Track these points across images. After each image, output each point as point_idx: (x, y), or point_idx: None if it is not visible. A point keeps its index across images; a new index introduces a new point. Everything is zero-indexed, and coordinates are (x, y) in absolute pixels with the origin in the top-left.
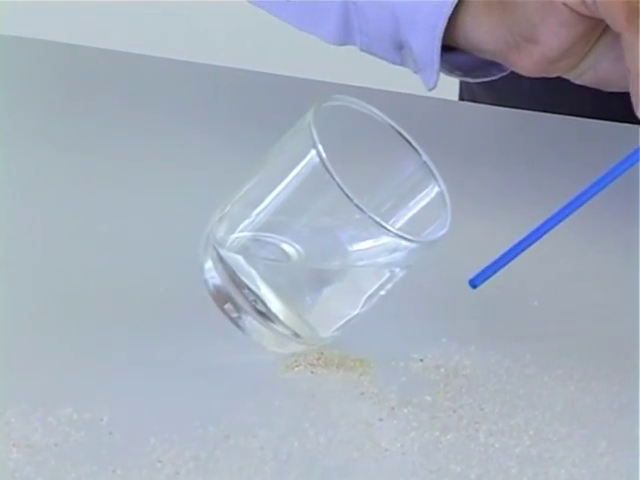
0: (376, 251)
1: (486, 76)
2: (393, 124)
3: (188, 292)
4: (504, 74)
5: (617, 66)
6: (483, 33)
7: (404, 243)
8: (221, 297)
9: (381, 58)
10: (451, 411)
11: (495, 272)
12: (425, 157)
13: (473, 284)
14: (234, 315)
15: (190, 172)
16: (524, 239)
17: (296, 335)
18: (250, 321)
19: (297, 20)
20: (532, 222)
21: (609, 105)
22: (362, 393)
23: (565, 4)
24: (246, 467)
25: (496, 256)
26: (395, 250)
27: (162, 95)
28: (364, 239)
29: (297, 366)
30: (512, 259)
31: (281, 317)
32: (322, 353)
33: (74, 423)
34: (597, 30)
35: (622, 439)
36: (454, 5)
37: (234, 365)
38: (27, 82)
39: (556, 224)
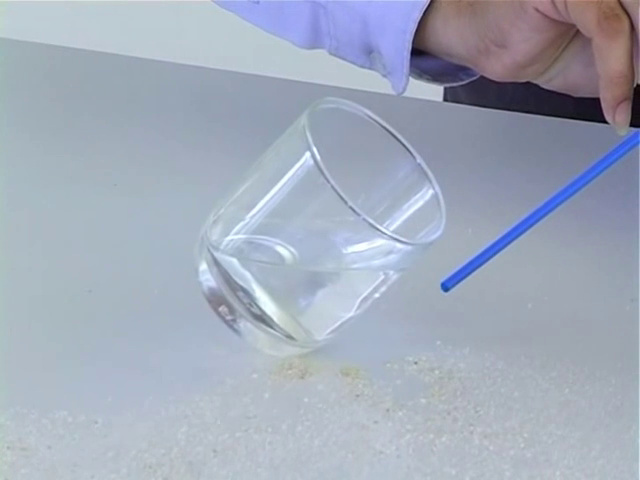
0: (370, 254)
1: (455, 81)
2: (388, 127)
3: (182, 295)
4: (472, 79)
5: (587, 71)
6: (453, 37)
7: (398, 245)
8: (216, 300)
9: (350, 62)
10: (446, 413)
11: (467, 275)
12: (419, 159)
13: (445, 287)
14: (229, 318)
15: (185, 175)
16: (496, 242)
17: (290, 338)
18: (245, 324)
19: (266, 23)
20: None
21: (591, 107)
22: (357, 396)
23: (536, 9)
24: (240, 471)
25: (468, 259)
26: (389, 253)
27: (157, 98)
28: (358, 242)
29: (291, 369)
30: (484, 262)
31: (276, 320)
32: (316, 356)
33: (68, 426)
34: (567, 35)
35: (616, 441)
36: (424, 9)
37: (228, 368)
38: (24, 85)
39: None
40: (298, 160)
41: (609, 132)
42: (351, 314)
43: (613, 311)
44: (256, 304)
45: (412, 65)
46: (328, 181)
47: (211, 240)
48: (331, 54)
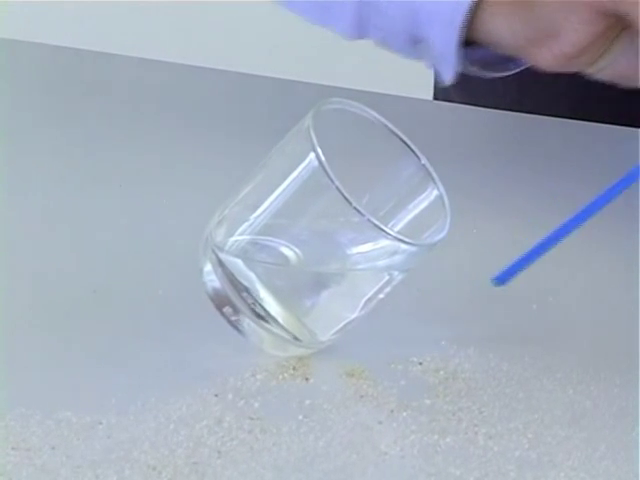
0: (375, 254)
1: (503, 71)
2: (392, 127)
3: (187, 295)
4: (521, 69)
5: (636, 62)
6: (503, 28)
7: (403, 246)
8: (220, 300)
9: (396, 53)
10: (450, 414)
11: (518, 271)
12: (424, 160)
13: (497, 282)
14: (233, 318)
15: (189, 175)
16: (542, 244)
17: (295, 338)
18: (249, 324)
19: (312, 14)
20: (529, 223)
21: (584, 105)
22: (361, 396)
23: (586, 1)
24: (244, 472)
25: (519, 256)
26: (394, 253)
27: (161, 98)
28: (363, 242)
29: (296, 369)
30: (534, 260)
31: (280, 320)
32: (321, 356)
33: (72, 426)
34: (617, 27)
35: (621, 442)
36: (474, 0)
37: (232, 368)
38: (25, 86)
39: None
40: (303, 161)
41: (602, 130)
42: (355, 315)
43: (617, 312)
44: (260, 305)
45: (461, 55)
46: (333, 182)
47: (216, 241)
48: (377, 45)
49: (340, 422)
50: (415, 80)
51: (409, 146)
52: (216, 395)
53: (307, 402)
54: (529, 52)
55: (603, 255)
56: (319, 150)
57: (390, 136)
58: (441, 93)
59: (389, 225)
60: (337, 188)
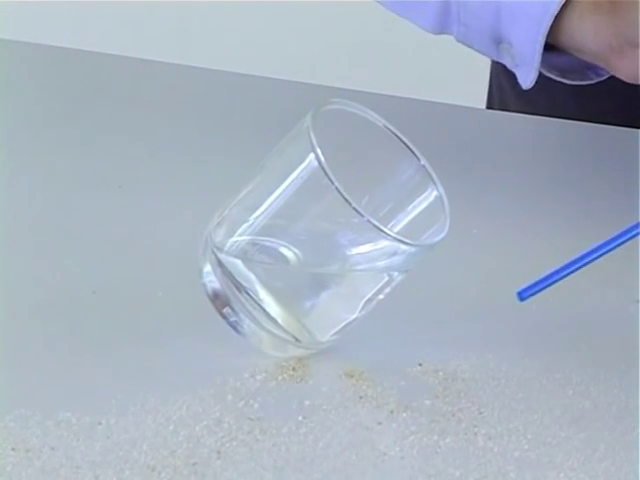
0: (374, 255)
1: (583, 79)
2: (392, 128)
3: (186, 296)
4: (601, 79)
5: None
6: (588, 33)
7: (402, 247)
8: (220, 301)
9: (477, 50)
10: (450, 415)
11: (544, 288)
12: (423, 161)
13: (521, 297)
14: (233, 319)
15: (189, 176)
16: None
17: (295, 339)
18: (249, 325)
19: (395, 5)
20: (529, 224)
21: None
22: (361, 397)
23: None
24: (244, 472)
25: (546, 273)
26: (393, 254)
27: (161, 99)
28: (363, 243)
29: (295, 370)
30: (564, 277)
31: (280, 321)
32: (320, 357)
33: (72, 427)
34: None
35: (620, 443)
36: (562, 3)
37: (232, 369)
38: (26, 86)
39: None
40: (302, 161)
41: (611, 132)
42: (355, 315)
43: (617, 313)
44: (260, 305)
45: (542, 59)
46: (332, 182)
47: (215, 241)
48: (458, 41)
49: (339, 423)
50: (415, 80)
51: (409, 147)
52: (216, 396)
53: (307, 403)
54: (612, 61)
55: (603, 256)
56: (319, 151)
57: (390, 137)
58: (497, 101)
59: (389, 226)
60: (337, 189)
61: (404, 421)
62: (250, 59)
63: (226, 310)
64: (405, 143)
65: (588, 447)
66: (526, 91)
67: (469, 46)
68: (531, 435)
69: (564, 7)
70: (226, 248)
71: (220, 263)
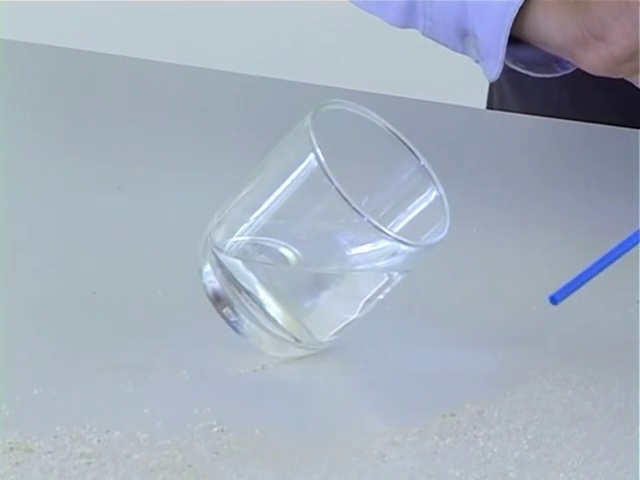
0: (374, 255)
1: (548, 72)
2: (391, 128)
3: (186, 296)
4: (567, 72)
5: None
6: (552, 26)
7: (402, 247)
8: (220, 301)
9: (442, 44)
10: (449, 415)
11: (576, 289)
12: (423, 161)
13: (553, 300)
14: (233, 319)
15: (189, 176)
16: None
17: (295, 339)
18: (249, 325)
19: (363, 1)
20: (529, 224)
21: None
22: (361, 397)
23: (638, 3)
24: (243, 473)
25: (577, 273)
26: (393, 254)
27: (161, 99)
28: (362, 243)
29: (295, 370)
30: (590, 278)
31: (280, 321)
32: (320, 357)
33: (70, 427)
34: None
35: (620, 443)
36: None
37: (232, 369)
38: (25, 86)
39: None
40: (302, 162)
41: (611, 133)
42: (355, 315)
43: (617, 313)
44: (260, 306)
45: (507, 52)
46: (332, 183)
47: (215, 242)
48: (424, 35)
49: (339, 423)
50: (415, 80)
51: (409, 147)
52: (215, 396)
53: (306, 403)
54: (576, 53)
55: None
56: (319, 151)
57: (390, 137)
58: (497, 101)
59: (389, 226)
60: (337, 189)
61: (404, 421)
62: (250, 59)
63: (226, 310)
64: (405, 143)
65: (588, 447)
66: (523, 89)
67: (435, 40)
68: (531, 435)
69: (528, 0)
70: (226, 248)
71: (220, 263)
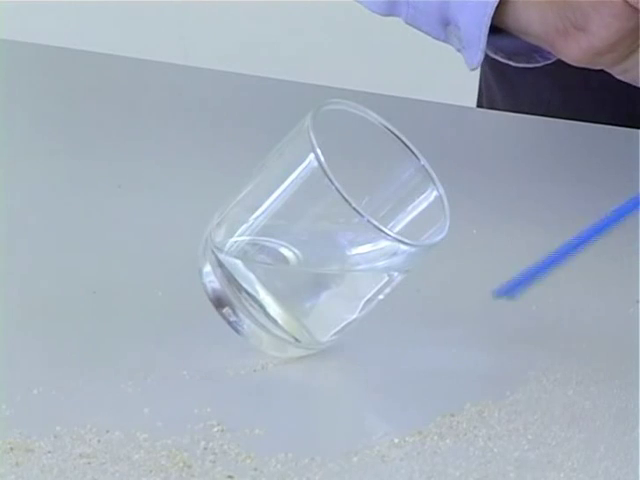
0: (374, 255)
1: (529, 62)
2: (391, 128)
3: (186, 296)
4: (548, 62)
5: None
6: (533, 15)
7: (402, 247)
8: (219, 301)
9: (425, 32)
10: (449, 415)
11: (520, 287)
12: (423, 161)
13: (498, 294)
14: (232, 319)
15: (189, 176)
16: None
17: (295, 339)
18: (249, 325)
19: None
20: (529, 224)
21: (629, 117)
22: (360, 397)
23: None
24: (242, 474)
25: (522, 270)
26: (394, 254)
27: (161, 99)
28: (363, 243)
29: (295, 371)
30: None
31: (280, 321)
32: (320, 357)
33: (70, 427)
34: None
35: (621, 443)
36: None
37: (232, 369)
38: (26, 87)
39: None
40: (302, 162)
41: (611, 133)
42: (355, 315)
43: (617, 313)
44: (260, 306)
45: (488, 42)
46: (332, 183)
47: (215, 242)
48: (407, 23)
49: (339, 423)
50: (415, 81)
51: (409, 147)
52: (215, 396)
53: (306, 403)
54: (557, 43)
55: (603, 256)
56: (319, 151)
57: (390, 137)
58: (486, 100)
59: (389, 226)
60: (337, 189)
61: (404, 421)
62: (250, 59)
63: (226, 310)
64: (405, 143)
65: (588, 447)
66: (513, 90)
67: (417, 28)
68: (531, 435)
69: None
70: (226, 248)
71: (220, 263)
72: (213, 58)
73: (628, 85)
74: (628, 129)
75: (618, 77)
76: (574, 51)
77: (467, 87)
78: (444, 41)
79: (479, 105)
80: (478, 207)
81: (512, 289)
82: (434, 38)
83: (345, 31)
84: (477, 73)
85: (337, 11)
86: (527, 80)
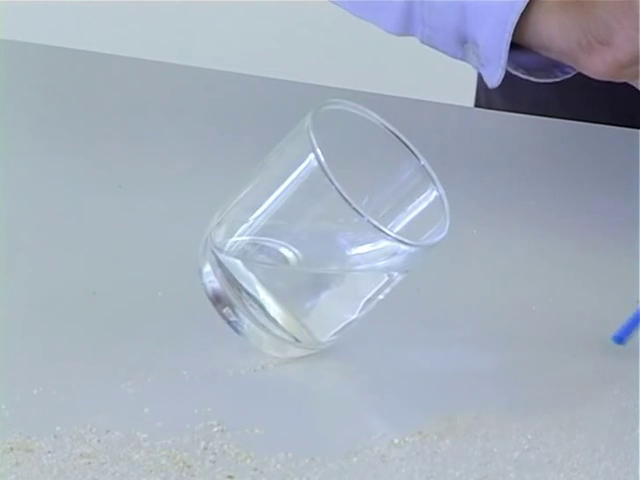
0: (374, 255)
1: (549, 77)
2: (391, 128)
3: (186, 296)
4: (567, 77)
5: None
6: (555, 31)
7: (402, 247)
8: (219, 301)
9: (441, 51)
10: (449, 416)
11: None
12: (423, 161)
13: (618, 340)
14: (232, 319)
15: (189, 176)
16: None
17: (295, 339)
18: (249, 325)
19: (356, 6)
20: (529, 224)
21: (629, 117)
22: (360, 398)
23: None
24: (242, 474)
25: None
26: (393, 254)
27: (161, 99)
28: (362, 243)
29: (295, 371)
30: None
31: (279, 321)
32: (320, 357)
33: (69, 427)
34: None
35: (621, 443)
36: (528, 0)
37: (232, 369)
38: (26, 87)
39: None
40: (302, 162)
41: (611, 132)
42: (355, 315)
43: (617, 313)
44: (260, 306)
45: (508, 58)
46: (332, 183)
47: (215, 242)
48: (423, 42)
49: (339, 423)
50: (415, 80)
51: (409, 147)
52: (215, 396)
53: (306, 403)
54: (580, 59)
55: (604, 256)
56: (319, 151)
57: (390, 137)
58: (484, 100)
59: (389, 226)
60: (337, 189)
61: (403, 422)
62: (250, 59)
63: (226, 310)
64: (405, 143)
65: (588, 447)
66: (511, 90)
67: (433, 47)
68: (531, 435)
69: (530, 5)
70: (226, 248)
71: (220, 263)
72: (213, 58)
73: (628, 85)
74: (628, 129)
75: None
76: (598, 66)
77: (466, 87)
78: (461, 59)
79: (477, 105)
80: (478, 207)
81: (628, 334)
82: (450, 56)
83: (345, 31)
84: (474, 73)
85: (337, 11)
86: (525, 80)
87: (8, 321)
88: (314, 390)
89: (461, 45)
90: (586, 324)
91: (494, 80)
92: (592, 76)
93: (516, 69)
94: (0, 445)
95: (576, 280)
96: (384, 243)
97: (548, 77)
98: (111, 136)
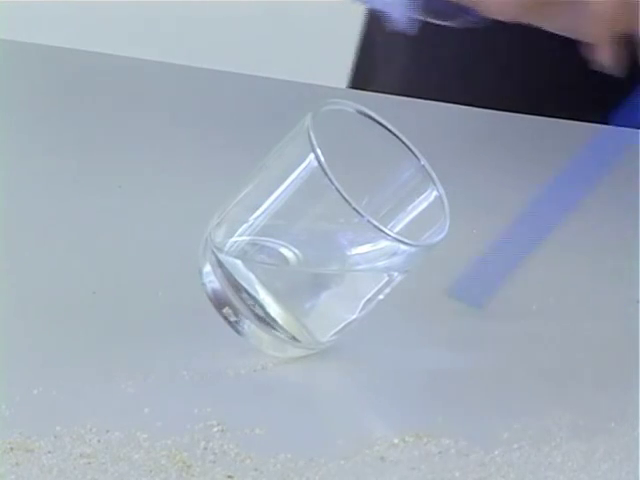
0: (374, 255)
1: (456, 22)
2: (391, 128)
3: (186, 296)
4: (475, 22)
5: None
6: None
7: (402, 247)
8: (219, 301)
9: None
10: (449, 416)
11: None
12: (423, 161)
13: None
14: (233, 319)
15: (189, 176)
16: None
17: (294, 339)
18: (249, 325)
19: None
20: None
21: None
22: (360, 398)
23: None
24: (242, 474)
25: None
26: (393, 254)
27: (160, 99)
28: (362, 243)
29: (295, 371)
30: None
31: (280, 321)
32: (320, 357)
33: (70, 428)
34: None
35: (620, 443)
36: None
37: (232, 369)
38: (25, 87)
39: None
40: (302, 162)
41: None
42: (355, 315)
43: (617, 313)
44: (260, 306)
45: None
46: (332, 183)
47: (215, 242)
48: None
49: (339, 423)
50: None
51: (408, 147)
52: (215, 396)
53: (306, 403)
54: None
55: (604, 255)
56: (319, 151)
57: (389, 137)
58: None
59: (389, 226)
60: (337, 189)
61: (403, 423)
62: (250, 59)
63: (226, 310)
64: (405, 143)
65: (588, 448)
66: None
67: None
68: (531, 435)
69: None
70: (226, 248)
71: (220, 263)
72: (212, 58)
73: (627, 85)
74: (629, 129)
75: (544, 29)
76: (501, 4)
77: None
78: (367, 4)
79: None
80: (478, 207)
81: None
82: (356, 1)
83: (345, 31)
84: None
85: (337, 11)
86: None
87: (8, 321)
88: (314, 390)
89: None
90: (586, 324)
91: (399, 24)
92: (491, 16)
93: (422, 14)
94: (0, 445)
95: (576, 280)
96: (384, 243)
97: (455, 22)
98: (111, 136)
